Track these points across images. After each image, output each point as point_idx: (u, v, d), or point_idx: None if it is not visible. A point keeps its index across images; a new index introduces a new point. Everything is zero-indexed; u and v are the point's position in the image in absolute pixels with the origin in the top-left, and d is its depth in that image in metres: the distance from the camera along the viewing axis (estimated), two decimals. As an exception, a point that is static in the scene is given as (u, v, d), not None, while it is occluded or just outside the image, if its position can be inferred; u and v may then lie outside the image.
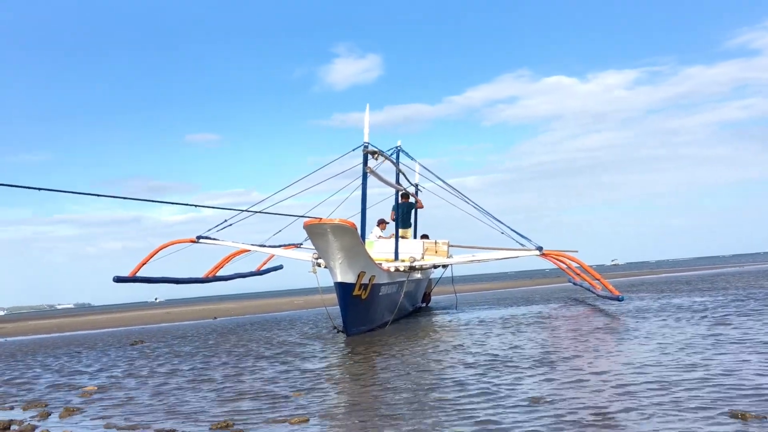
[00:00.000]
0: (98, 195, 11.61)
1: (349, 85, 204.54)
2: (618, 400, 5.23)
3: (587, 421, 4.68)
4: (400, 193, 17.98)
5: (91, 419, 6.19)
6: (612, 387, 5.77)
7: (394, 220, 17.39)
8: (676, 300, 15.90)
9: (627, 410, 4.89)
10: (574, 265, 18.00)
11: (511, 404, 5.39)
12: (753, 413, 4.50)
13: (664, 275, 40.73)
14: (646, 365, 6.75)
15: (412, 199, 19.09)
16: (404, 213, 18.42)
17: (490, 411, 5.22)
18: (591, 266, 17.98)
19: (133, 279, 15.68)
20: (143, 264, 16.10)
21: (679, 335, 8.96)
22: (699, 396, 5.19)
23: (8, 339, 22.59)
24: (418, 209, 19.85)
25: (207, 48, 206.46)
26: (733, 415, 4.53)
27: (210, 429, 5.37)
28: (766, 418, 4.43)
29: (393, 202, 18.40)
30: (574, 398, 5.44)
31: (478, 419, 4.98)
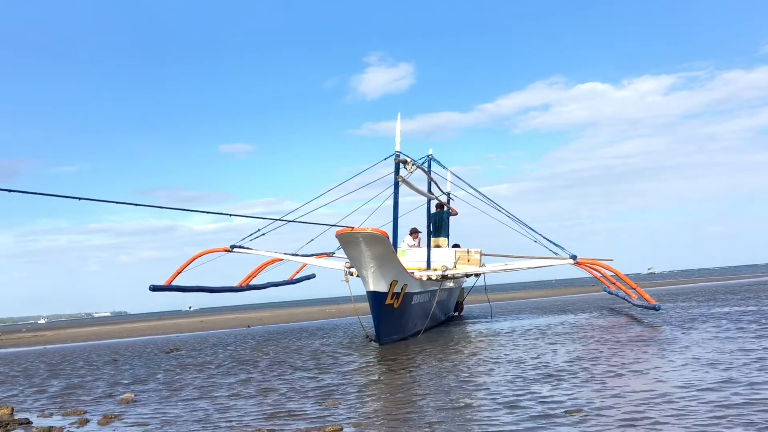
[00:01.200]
0: (135, 204, 11.82)
1: (382, 94, 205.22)
2: (657, 414, 5.12)
3: (625, 433, 4.60)
4: (434, 203, 18.06)
5: (129, 426, 6.28)
6: (651, 400, 5.66)
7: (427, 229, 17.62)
8: (716, 309, 15.55)
9: (666, 425, 4.79)
10: (609, 273, 17.75)
11: (545, 416, 5.32)
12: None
13: (702, 284, 39.90)
14: (684, 378, 6.62)
15: (446, 208, 19.17)
16: (437, 222, 18.52)
17: (524, 423, 5.16)
18: (626, 275, 17.71)
19: (168, 288, 15.89)
20: (178, 273, 16.32)
21: (719, 347, 8.77)
22: (741, 413, 5.06)
23: (48, 347, 23.07)
24: (452, 216, 19.82)
25: (241, 59, 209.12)
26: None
27: (245, 437, 5.40)
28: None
29: (425, 212, 18.42)
30: (611, 411, 5.35)
31: (512, 430, 4.93)
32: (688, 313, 14.93)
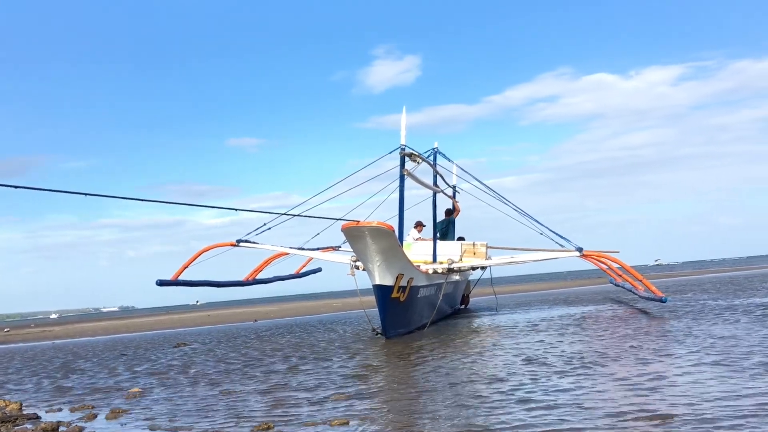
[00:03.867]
0: (143, 200, 11.92)
1: (389, 86, 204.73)
2: (665, 405, 5.12)
3: (633, 425, 4.59)
4: (445, 209, 18.24)
5: (137, 421, 6.32)
6: (658, 391, 5.66)
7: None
8: (723, 301, 15.51)
9: (675, 416, 4.79)
10: (615, 265, 17.69)
11: (552, 408, 5.33)
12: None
13: (709, 275, 39.77)
14: (690, 368, 6.61)
15: (452, 205, 19.34)
16: (444, 228, 18.66)
17: (531, 415, 5.16)
18: (633, 266, 17.65)
19: (175, 282, 15.94)
20: (185, 267, 16.36)
21: (725, 338, 8.74)
22: (745, 404, 5.05)
23: (56, 342, 23.20)
24: (455, 218, 19.89)
25: (249, 53, 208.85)
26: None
27: (251, 431, 5.42)
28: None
29: (431, 205, 18.41)
30: (617, 403, 5.35)
31: (519, 423, 4.93)
32: (695, 305, 14.89)
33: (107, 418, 6.57)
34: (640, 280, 16.56)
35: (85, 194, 9.61)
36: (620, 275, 18.41)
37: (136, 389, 8.37)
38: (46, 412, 7.25)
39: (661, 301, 14.56)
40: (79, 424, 6.26)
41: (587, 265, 18.20)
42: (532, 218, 17.51)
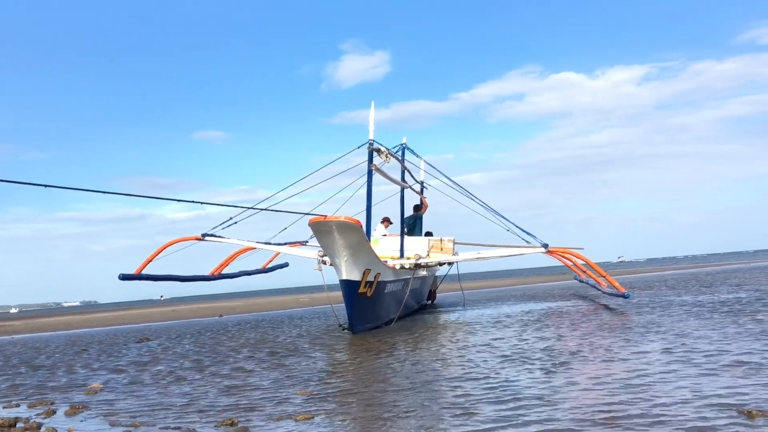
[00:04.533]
0: (105, 192, 11.69)
1: (357, 82, 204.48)
2: (625, 398, 5.20)
3: (596, 419, 4.66)
4: (413, 205, 18.39)
5: (97, 417, 6.20)
6: (618, 385, 5.74)
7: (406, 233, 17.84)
8: (682, 297, 15.83)
9: (632, 407, 4.86)
10: (579, 262, 17.94)
11: (518, 403, 5.37)
12: (761, 411, 4.47)
13: (670, 272, 40.59)
14: (650, 362, 6.72)
15: (420, 200, 19.51)
16: (411, 224, 18.81)
17: (497, 410, 5.20)
18: (597, 263, 17.93)
19: (138, 277, 15.69)
20: (149, 261, 16.12)
21: (683, 331, 8.92)
22: (704, 394, 5.16)
23: (15, 337, 22.68)
24: (422, 214, 20.00)
25: (215, 45, 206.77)
26: (741, 412, 4.50)
27: (215, 427, 5.36)
28: (774, 416, 4.39)
29: (398, 200, 18.45)
30: (580, 397, 5.41)
31: (485, 418, 4.97)
32: (659, 301, 15.18)
33: (66, 414, 6.44)
34: (604, 276, 16.84)
35: (46, 185, 9.38)
36: (584, 271, 18.68)
37: (96, 385, 8.22)
38: (3, 408, 7.08)
39: (624, 296, 14.82)
40: (37, 420, 6.12)
41: (552, 262, 18.41)
42: (498, 214, 17.67)
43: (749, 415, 4.43)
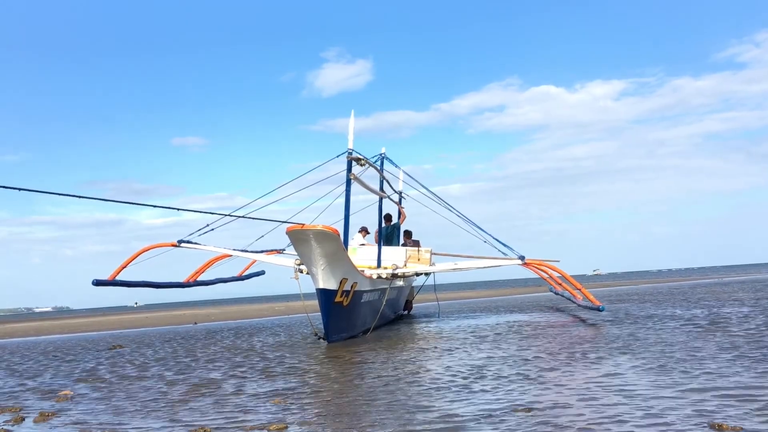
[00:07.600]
0: (79, 197, 11.51)
1: (339, 90, 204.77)
2: (596, 411, 5.24)
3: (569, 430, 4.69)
4: (383, 215, 18.37)
5: (67, 424, 6.10)
6: (589, 398, 5.79)
7: (377, 242, 17.86)
8: (656, 311, 16.00)
9: (605, 420, 4.90)
10: (555, 274, 18.08)
11: (492, 414, 5.39)
12: (731, 425, 4.53)
13: (645, 285, 41.05)
14: (621, 375, 6.79)
15: (395, 219, 19.56)
16: (388, 235, 18.81)
17: (471, 420, 5.21)
18: (573, 276, 18.07)
19: (112, 282, 15.52)
20: (123, 267, 15.95)
21: (655, 345, 9.02)
22: (676, 407, 5.21)
23: (-16, 342, 22.26)
24: (401, 224, 20.04)
25: (196, 52, 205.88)
26: (712, 426, 4.56)
27: (187, 435, 5.31)
28: (743, 429, 4.46)
29: (377, 210, 18.48)
30: (554, 408, 5.45)
31: (459, 428, 4.97)
32: (629, 314, 15.32)
33: (35, 422, 6.32)
34: (579, 289, 16.97)
35: (20, 189, 9.24)
36: (560, 284, 18.84)
37: (67, 392, 8.09)
38: (-30, 415, 6.94)
39: (598, 309, 14.95)
40: (5, 428, 6.01)
41: (529, 273, 18.53)
42: (476, 226, 17.76)
43: (720, 428, 4.48)
